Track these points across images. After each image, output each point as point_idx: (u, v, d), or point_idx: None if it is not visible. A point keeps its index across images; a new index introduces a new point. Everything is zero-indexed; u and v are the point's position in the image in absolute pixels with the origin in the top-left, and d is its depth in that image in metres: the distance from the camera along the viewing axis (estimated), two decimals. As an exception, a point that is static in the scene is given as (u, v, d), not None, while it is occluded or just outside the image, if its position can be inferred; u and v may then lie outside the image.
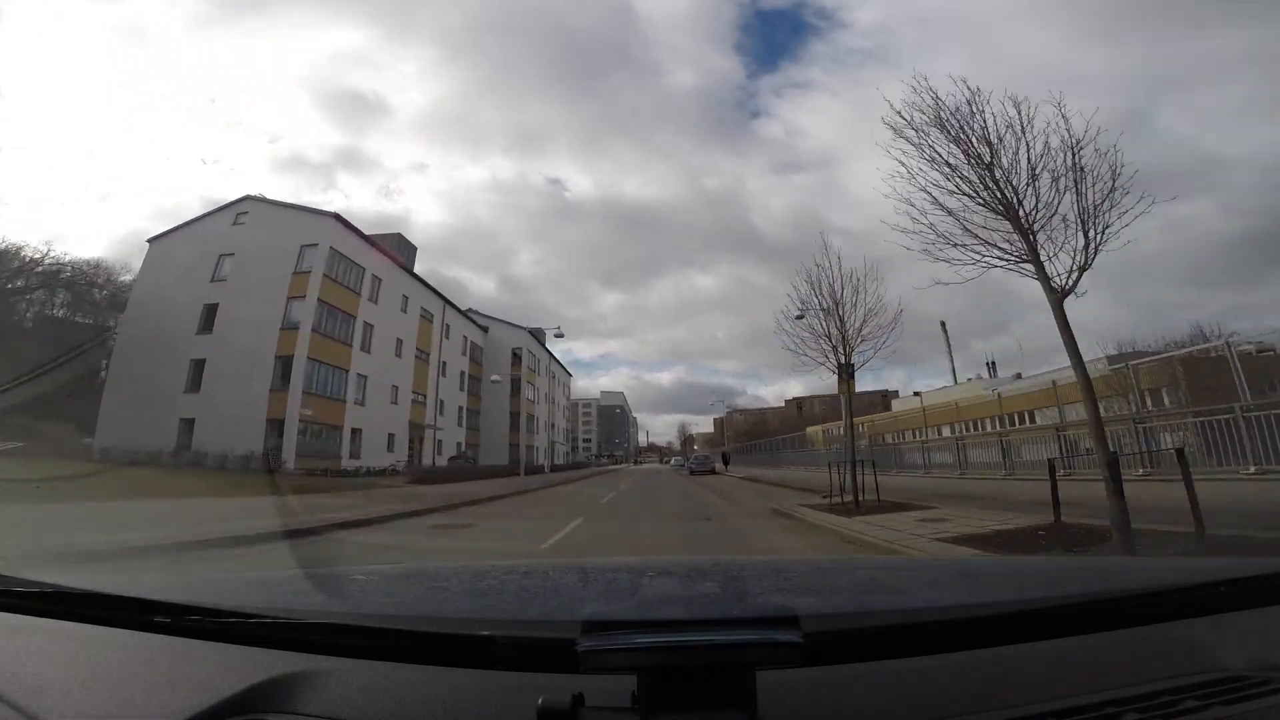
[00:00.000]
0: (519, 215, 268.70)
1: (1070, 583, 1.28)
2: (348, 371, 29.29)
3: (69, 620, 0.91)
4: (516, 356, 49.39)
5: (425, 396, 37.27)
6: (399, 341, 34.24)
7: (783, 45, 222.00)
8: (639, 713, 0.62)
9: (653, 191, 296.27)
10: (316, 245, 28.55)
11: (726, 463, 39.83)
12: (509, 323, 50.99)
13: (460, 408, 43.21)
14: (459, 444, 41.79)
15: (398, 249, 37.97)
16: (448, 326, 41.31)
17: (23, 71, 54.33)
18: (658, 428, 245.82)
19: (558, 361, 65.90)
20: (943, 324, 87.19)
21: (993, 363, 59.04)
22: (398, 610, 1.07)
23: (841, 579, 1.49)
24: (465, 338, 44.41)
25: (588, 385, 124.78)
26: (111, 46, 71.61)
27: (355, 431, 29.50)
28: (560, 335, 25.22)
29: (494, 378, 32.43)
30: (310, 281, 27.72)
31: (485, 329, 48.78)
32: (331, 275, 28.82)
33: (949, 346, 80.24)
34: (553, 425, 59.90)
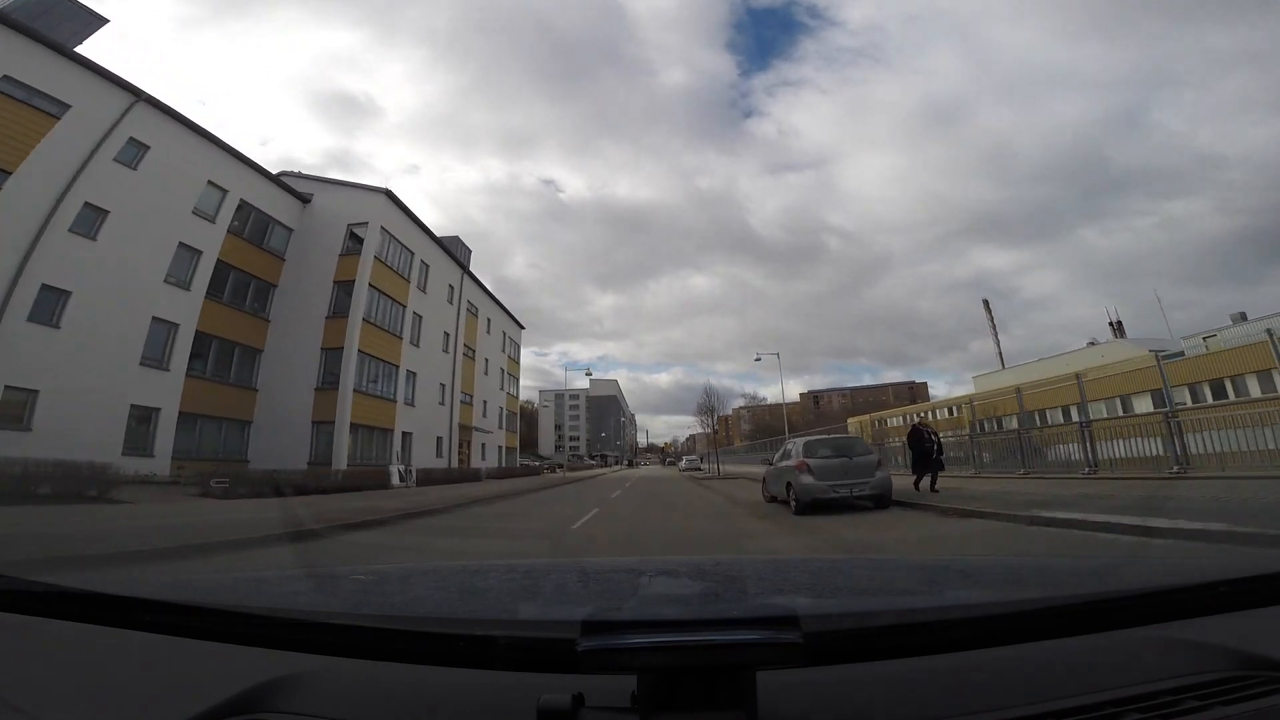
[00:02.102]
0: (512, 217, 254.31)
1: (1070, 583, 1.24)
2: None
3: (69, 620, 0.88)
4: (356, 239, 24.08)
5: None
6: None
7: (774, 43, 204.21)
8: (639, 713, 0.61)
9: (647, 193, 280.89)
10: None
11: (938, 467, 10.37)
12: (361, 185, 26.08)
13: (190, 333, 19.06)
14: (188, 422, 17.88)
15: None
16: (141, 149, 17.40)
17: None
18: (657, 428, 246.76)
19: (492, 296, 39.42)
20: (985, 302, 67.47)
21: (1118, 322, 50.88)
22: (398, 610, 1.06)
23: (841, 579, 1.47)
24: (211, 184, 19.80)
25: (584, 388, 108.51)
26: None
27: None
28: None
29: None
30: None
31: (307, 198, 24.42)
32: None
33: (994, 328, 64.08)
34: (472, 401, 34.35)
